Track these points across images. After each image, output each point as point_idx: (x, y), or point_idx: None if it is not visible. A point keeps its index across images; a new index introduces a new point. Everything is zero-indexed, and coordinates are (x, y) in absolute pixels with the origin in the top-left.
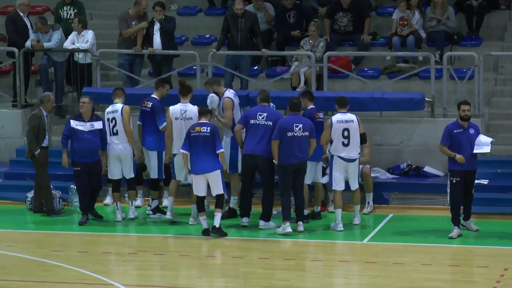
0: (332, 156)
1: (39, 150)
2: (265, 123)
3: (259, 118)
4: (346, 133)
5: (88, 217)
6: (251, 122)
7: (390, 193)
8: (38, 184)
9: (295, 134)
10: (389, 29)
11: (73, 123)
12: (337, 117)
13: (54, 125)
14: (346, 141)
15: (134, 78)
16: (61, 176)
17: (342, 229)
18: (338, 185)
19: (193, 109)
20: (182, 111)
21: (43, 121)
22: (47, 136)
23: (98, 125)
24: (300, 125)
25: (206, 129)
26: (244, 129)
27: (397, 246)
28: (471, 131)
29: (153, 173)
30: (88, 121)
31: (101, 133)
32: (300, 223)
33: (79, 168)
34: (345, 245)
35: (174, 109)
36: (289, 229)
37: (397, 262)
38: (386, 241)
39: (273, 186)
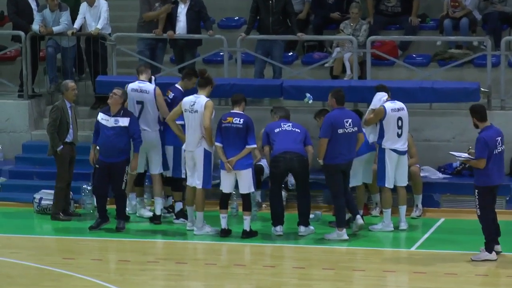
0: (383, 149)
1: (62, 146)
2: (292, 129)
3: (284, 126)
4: (400, 123)
5: (102, 222)
6: (276, 131)
7: (441, 195)
8: (56, 184)
9: (346, 131)
10: (440, 11)
11: (100, 116)
12: (389, 105)
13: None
14: (400, 132)
15: (155, 66)
16: (74, 175)
17: (393, 229)
18: (391, 182)
19: (201, 102)
20: (192, 103)
21: (65, 113)
22: (71, 130)
23: (123, 122)
24: (350, 120)
25: (239, 120)
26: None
27: (449, 254)
28: None
29: (172, 170)
30: (113, 116)
31: (129, 131)
32: (358, 216)
33: (97, 166)
34: (391, 253)
35: (186, 100)
36: (346, 236)
37: (449, 273)
38: (436, 249)
39: (309, 187)
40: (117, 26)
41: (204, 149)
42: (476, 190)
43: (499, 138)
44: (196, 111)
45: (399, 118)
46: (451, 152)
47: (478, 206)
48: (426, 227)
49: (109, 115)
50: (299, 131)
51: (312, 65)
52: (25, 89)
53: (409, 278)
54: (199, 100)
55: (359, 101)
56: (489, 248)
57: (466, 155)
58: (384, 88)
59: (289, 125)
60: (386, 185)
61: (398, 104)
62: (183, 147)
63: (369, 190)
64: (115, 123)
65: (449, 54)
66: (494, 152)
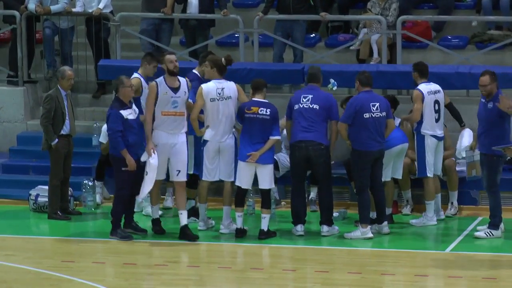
0: (422, 136)
1: (57, 139)
2: (310, 106)
3: (303, 101)
4: (437, 107)
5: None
6: (295, 108)
7: (478, 191)
8: (49, 181)
9: (373, 116)
10: None
11: (124, 113)
12: (424, 87)
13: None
14: (437, 116)
15: (160, 48)
16: (73, 169)
17: (436, 223)
18: (432, 171)
19: (231, 86)
20: (219, 89)
21: (60, 103)
22: (67, 121)
23: (136, 108)
24: (377, 104)
25: (266, 111)
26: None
27: (488, 256)
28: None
29: (190, 166)
30: (132, 107)
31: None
32: (385, 223)
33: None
34: (423, 255)
35: (208, 88)
36: (370, 234)
37: (488, 277)
38: (474, 251)
39: (332, 182)
40: (121, 5)
41: (236, 138)
42: None
43: None
44: (230, 97)
45: (436, 102)
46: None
47: None
48: (462, 227)
49: (129, 107)
50: (318, 107)
51: (337, 48)
52: (20, 75)
53: (444, 283)
54: (228, 85)
55: (388, 88)
56: None
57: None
58: (426, 68)
59: (309, 99)
60: (428, 175)
61: (434, 86)
62: (206, 137)
63: (399, 186)
64: (136, 112)
65: (488, 35)
66: None
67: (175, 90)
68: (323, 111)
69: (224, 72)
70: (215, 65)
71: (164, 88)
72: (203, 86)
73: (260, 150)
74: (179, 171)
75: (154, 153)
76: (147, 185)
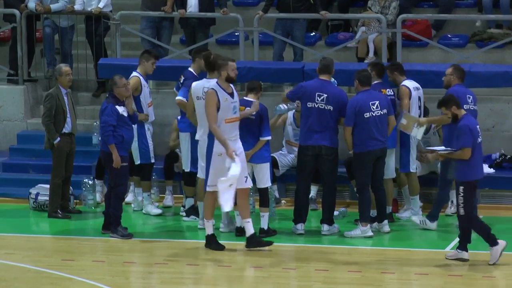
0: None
1: (59, 138)
2: (325, 107)
3: (318, 100)
4: (419, 103)
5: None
6: (308, 106)
7: (478, 189)
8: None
9: (374, 114)
10: None
11: (120, 109)
12: (409, 83)
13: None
14: (419, 112)
15: (161, 47)
16: (74, 168)
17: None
18: (416, 167)
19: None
20: (205, 89)
21: (61, 101)
22: (68, 120)
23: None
24: (377, 102)
25: None
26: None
27: (487, 255)
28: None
29: (186, 163)
30: (124, 104)
31: None
32: (386, 222)
33: (126, 164)
34: (423, 254)
35: (197, 86)
36: (370, 233)
37: (487, 276)
38: (473, 249)
39: (336, 181)
40: (121, 4)
41: None
42: (462, 187)
43: (478, 127)
44: None
45: (419, 98)
46: (432, 148)
47: (462, 205)
48: None
49: (123, 105)
50: (332, 108)
51: (337, 47)
52: (20, 73)
53: (443, 282)
54: (211, 84)
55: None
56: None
57: (443, 147)
58: (401, 65)
59: (324, 98)
60: (410, 170)
61: (415, 83)
62: (196, 137)
63: (398, 184)
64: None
65: (488, 34)
66: (478, 142)
67: (232, 95)
68: (336, 111)
69: (207, 70)
70: (205, 62)
71: (223, 94)
72: (193, 84)
73: (251, 151)
74: (246, 177)
75: (237, 155)
76: (227, 196)
